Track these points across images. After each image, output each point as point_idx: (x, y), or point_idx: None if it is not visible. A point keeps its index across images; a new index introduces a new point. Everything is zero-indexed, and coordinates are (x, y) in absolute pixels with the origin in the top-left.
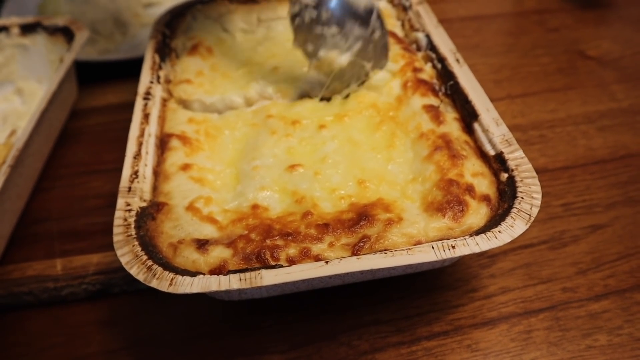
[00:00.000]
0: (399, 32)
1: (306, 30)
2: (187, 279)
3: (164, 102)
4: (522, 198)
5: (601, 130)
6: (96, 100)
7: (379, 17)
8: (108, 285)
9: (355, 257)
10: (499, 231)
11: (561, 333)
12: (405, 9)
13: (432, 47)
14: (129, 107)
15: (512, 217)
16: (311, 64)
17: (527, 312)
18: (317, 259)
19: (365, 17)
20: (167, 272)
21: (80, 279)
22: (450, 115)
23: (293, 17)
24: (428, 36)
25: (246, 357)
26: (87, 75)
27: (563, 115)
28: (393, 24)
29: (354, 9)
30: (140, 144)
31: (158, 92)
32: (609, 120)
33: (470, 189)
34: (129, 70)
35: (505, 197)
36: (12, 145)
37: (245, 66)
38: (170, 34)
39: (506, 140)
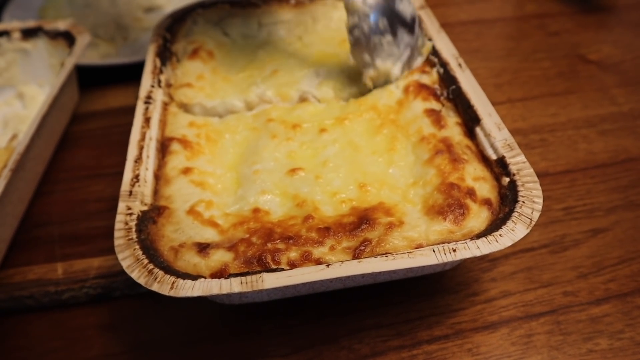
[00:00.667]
0: None
1: (365, 40)
2: (189, 282)
3: (165, 106)
4: (524, 202)
5: (602, 134)
6: (97, 104)
7: (420, 25)
8: (109, 289)
9: (357, 260)
10: (500, 235)
11: (562, 337)
12: None
13: (434, 51)
14: (130, 111)
15: (513, 221)
16: (367, 75)
17: (528, 316)
18: (318, 262)
19: (411, 25)
20: (168, 276)
21: (81, 283)
22: (452, 120)
23: (352, 29)
24: (430, 40)
25: None
26: (88, 79)
27: (564, 119)
28: None
29: (402, 17)
30: (141, 148)
31: (159, 96)
32: (609, 125)
33: (471, 193)
34: (130, 74)
35: (507, 201)
36: (14, 149)
37: (246, 70)
38: (171, 38)
39: (508, 144)
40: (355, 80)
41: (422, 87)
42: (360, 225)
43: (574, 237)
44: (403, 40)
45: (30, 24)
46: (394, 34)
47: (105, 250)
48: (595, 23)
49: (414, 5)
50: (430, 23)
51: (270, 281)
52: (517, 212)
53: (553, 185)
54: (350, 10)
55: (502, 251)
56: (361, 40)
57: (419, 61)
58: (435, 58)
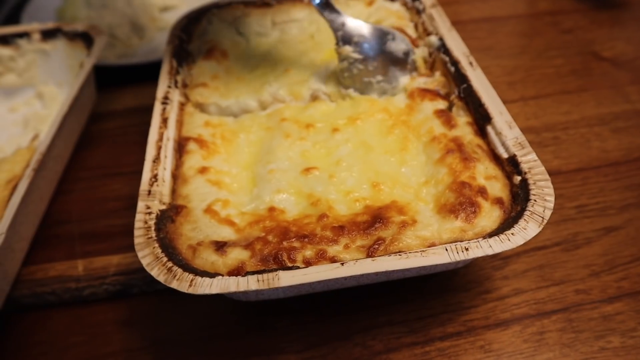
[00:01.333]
0: (412, 33)
1: (356, 81)
2: (207, 280)
3: (182, 106)
4: (535, 201)
5: (615, 132)
6: (114, 103)
7: (413, 54)
8: (128, 286)
9: (370, 258)
10: (512, 233)
11: (574, 335)
12: (418, 12)
13: (445, 50)
14: (147, 110)
15: (525, 219)
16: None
17: (540, 314)
18: (333, 260)
19: (403, 60)
20: (187, 274)
21: (101, 280)
22: (462, 119)
23: (342, 71)
24: (441, 39)
25: (262, 357)
26: (105, 79)
27: (577, 117)
28: (406, 25)
29: (394, 56)
30: (159, 148)
31: (176, 96)
32: (623, 122)
33: (482, 191)
34: (146, 73)
35: (518, 199)
36: (35, 149)
37: (259, 69)
38: (187, 39)
39: (519, 143)
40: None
41: (426, 92)
42: (374, 224)
43: (586, 235)
44: (395, 77)
45: (50, 25)
46: (385, 73)
47: (123, 248)
48: (609, 20)
49: (407, 41)
50: (441, 22)
51: (286, 279)
52: (529, 210)
53: (566, 184)
54: (340, 55)
55: (514, 249)
56: (352, 83)
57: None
58: (446, 57)
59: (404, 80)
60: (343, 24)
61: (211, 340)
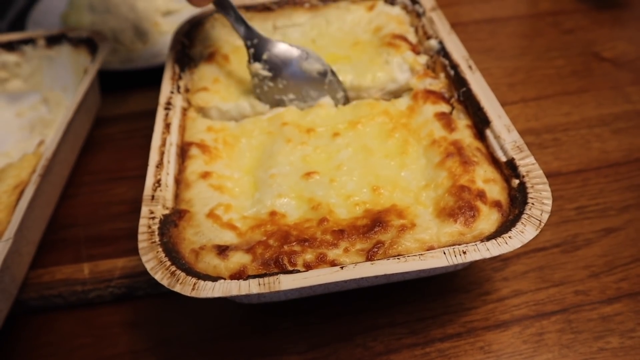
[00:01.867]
0: (412, 39)
1: (267, 96)
2: (209, 283)
3: (184, 111)
4: (533, 204)
5: (615, 133)
6: (118, 108)
7: (334, 74)
8: (133, 288)
9: (370, 262)
10: (510, 237)
11: (573, 335)
12: (418, 15)
13: (445, 53)
14: (150, 114)
15: (522, 222)
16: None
17: (539, 315)
18: (333, 264)
19: (319, 79)
20: (190, 277)
21: (106, 283)
22: (462, 123)
23: (254, 87)
24: (441, 43)
25: (265, 358)
26: (109, 83)
27: (577, 118)
28: (406, 31)
29: (307, 75)
30: (162, 153)
31: (178, 101)
32: (623, 123)
33: (481, 195)
34: (150, 78)
35: (516, 203)
36: (42, 154)
37: None
38: (189, 44)
39: (517, 146)
40: (361, 78)
41: (430, 93)
42: (374, 227)
43: (586, 237)
44: (310, 96)
45: (55, 31)
46: (297, 92)
47: (128, 251)
48: (610, 20)
49: (323, 62)
50: (441, 25)
51: (286, 282)
52: (527, 213)
53: (566, 185)
54: (250, 72)
55: (513, 251)
56: (265, 99)
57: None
58: (445, 60)
59: (325, 99)
60: (255, 41)
61: (215, 342)
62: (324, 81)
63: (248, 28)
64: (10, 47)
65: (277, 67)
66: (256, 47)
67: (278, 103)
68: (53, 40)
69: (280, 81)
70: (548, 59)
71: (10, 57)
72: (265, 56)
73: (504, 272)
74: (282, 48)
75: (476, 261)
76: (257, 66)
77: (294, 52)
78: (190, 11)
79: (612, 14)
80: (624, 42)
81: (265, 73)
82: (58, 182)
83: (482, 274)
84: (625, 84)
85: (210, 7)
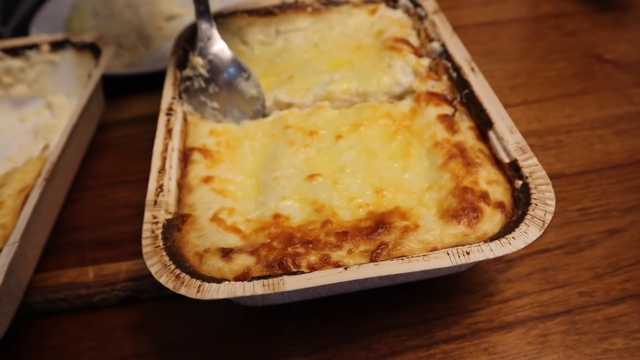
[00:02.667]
0: (415, 42)
1: (192, 93)
2: (214, 285)
3: (186, 116)
4: (536, 205)
5: (618, 134)
6: (122, 112)
7: (262, 106)
8: (137, 292)
9: (373, 263)
10: (513, 237)
11: (578, 336)
12: (420, 18)
13: (447, 56)
14: (154, 118)
15: (526, 223)
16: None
17: (543, 316)
18: (337, 265)
19: (248, 103)
20: (195, 280)
21: (111, 286)
22: (465, 124)
23: (184, 80)
24: (443, 45)
25: None
26: (112, 88)
27: (579, 120)
28: (408, 34)
29: (240, 94)
30: (164, 159)
31: (180, 107)
32: (626, 125)
33: (484, 196)
34: (153, 82)
35: (520, 203)
36: (46, 159)
37: (264, 77)
38: (192, 48)
39: (520, 147)
40: (366, 84)
41: (432, 95)
42: (377, 229)
43: (589, 238)
44: (231, 113)
45: (58, 36)
46: (222, 104)
47: (133, 255)
48: (612, 22)
49: (260, 89)
50: (443, 27)
51: (291, 283)
52: (530, 214)
53: (569, 187)
54: (190, 63)
55: (517, 252)
56: (189, 92)
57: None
58: (448, 63)
59: (244, 118)
60: (209, 38)
61: (219, 344)
62: (251, 107)
63: (211, 25)
64: (14, 52)
65: (217, 72)
66: (207, 45)
67: (195, 107)
68: (57, 45)
69: (212, 86)
70: (550, 61)
71: (14, 63)
72: (211, 56)
73: (507, 274)
74: (230, 58)
75: (480, 263)
76: (199, 61)
77: (240, 67)
78: (193, 16)
79: (613, 16)
80: (626, 44)
81: (203, 72)
82: (63, 186)
83: (485, 276)
84: (628, 86)
85: (213, 12)
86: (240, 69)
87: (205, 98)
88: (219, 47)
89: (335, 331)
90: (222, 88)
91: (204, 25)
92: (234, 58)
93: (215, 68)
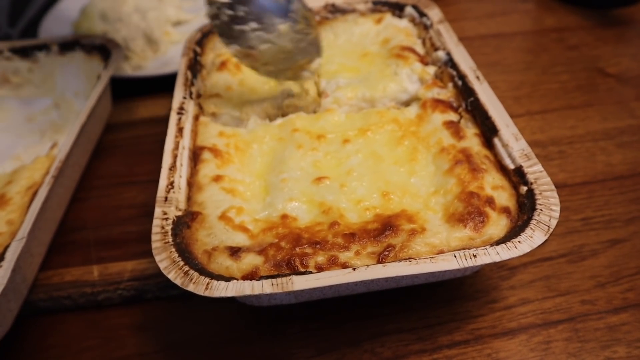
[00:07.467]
0: (420, 50)
1: (227, 29)
2: (222, 283)
3: (196, 116)
4: (541, 210)
5: (620, 146)
6: (129, 114)
7: (304, 6)
8: (142, 291)
9: (381, 265)
10: (519, 241)
11: (580, 344)
12: (426, 27)
13: (452, 64)
14: (160, 121)
15: (531, 228)
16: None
17: (546, 323)
18: (344, 266)
19: (284, 9)
20: (203, 277)
21: (115, 285)
22: (470, 131)
23: (212, 18)
24: (449, 54)
25: None
26: (120, 90)
27: (582, 132)
28: (414, 43)
29: (269, 2)
30: (175, 156)
31: (191, 107)
32: (628, 137)
33: (490, 201)
34: (160, 85)
35: (525, 209)
36: (54, 157)
37: (271, 81)
38: (201, 51)
39: (525, 154)
40: (373, 90)
41: (438, 102)
42: (384, 231)
43: (592, 247)
44: (273, 25)
45: (68, 38)
46: (260, 20)
47: (138, 254)
48: (614, 37)
49: None
50: (448, 36)
51: (299, 283)
52: (535, 219)
53: (571, 197)
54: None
55: (520, 260)
56: (224, 29)
57: (317, 62)
58: (453, 71)
59: (284, 27)
60: None
61: (222, 346)
62: (288, 7)
63: None
64: (23, 53)
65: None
66: None
67: (238, 35)
68: (66, 47)
69: (239, 7)
70: (553, 73)
71: (23, 63)
72: None
73: (510, 281)
74: None
75: (483, 269)
76: None
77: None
78: (200, 21)
79: (616, 32)
80: (628, 59)
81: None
82: (69, 185)
83: (489, 282)
84: (630, 99)
85: None
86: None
87: (240, 25)
88: None
89: (339, 334)
90: (249, 4)
91: None
92: None
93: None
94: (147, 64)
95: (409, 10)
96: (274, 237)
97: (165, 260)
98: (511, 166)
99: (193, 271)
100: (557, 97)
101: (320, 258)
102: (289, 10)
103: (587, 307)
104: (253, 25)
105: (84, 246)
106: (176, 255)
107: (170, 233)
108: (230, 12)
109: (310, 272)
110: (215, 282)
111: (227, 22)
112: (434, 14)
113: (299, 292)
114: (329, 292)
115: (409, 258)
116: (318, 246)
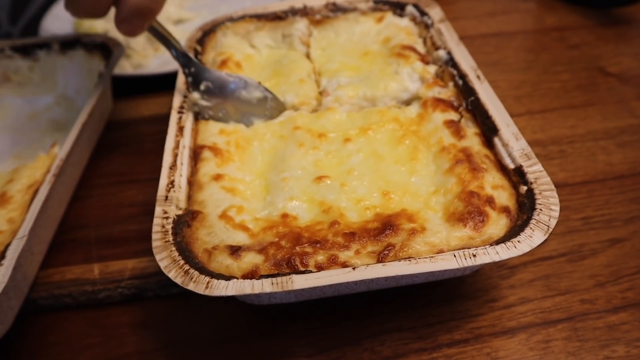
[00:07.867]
0: (421, 49)
1: (210, 118)
2: (222, 282)
3: (197, 115)
4: (541, 210)
5: (621, 146)
6: (130, 112)
7: (274, 99)
8: (142, 290)
9: (381, 264)
10: (519, 241)
11: (579, 343)
12: (427, 26)
13: (453, 63)
14: (161, 119)
15: (531, 227)
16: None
17: (545, 323)
18: (344, 265)
19: (260, 105)
20: (203, 276)
21: (116, 283)
22: (470, 130)
23: (195, 114)
24: (449, 53)
25: None
26: (121, 88)
27: (582, 131)
28: (415, 42)
29: (247, 103)
30: (175, 156)
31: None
32: (628, 136)
33: (490, 201)
34: (161, 84)
35: (525, 208)
36: (55, 156)
37: (273, 79)
38: (202, 50)
39: (525, 154)
40: (374, 89)
41: (439, 101)
42: (384, 230)
43: (592, 247)
44: (250, 121)
45: (69, 36)
46: (238, 119)
47: (138, 253)
48: (615, 36)
49: (262, 89)
50: (449, 36)
51: (299, 282)
52: (535, 219)
53: (571, 196)
54: (189, 101)
55: (520, 259)
56: (206, 118)
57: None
58: (454, 70)
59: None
60: (192, 69)
61: (223, 344)
62: (265, 106)
63: (185, 56)
64: (24, 51)
65: (216, 97)
66: (194, 76)
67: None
68: (67, 45)
69: (220, 109)
70: (554, 73)
71: (24, 62)
72: (202, 86)
73: (510, 280)
74: (218, 77)
75: (483, 269)
76: (196, 96)
77: (230, 81)
78: (201, 20)
79: (617, 31)
80: (629, 58)
81: (205, 103)
82: (70, 183)
83: (488, 282)
84: (631, 99)
85: (222, 16)
86: (233, 81)
87: (222, 116)
88: (204, 72)
89: (339, 333)
90: (228, 106)
91: (182, 60)
92: (221, 75)
93: (212, 94)
94: (148, 63)
95: (410, 9)
96: (274, 236)
97: (166, 259)
98: (511, 166)
99: (193, 270)
100: (557, 96)
101: (321, 257)
102: (265, 108)
103: (587, 306)
104: (234, 118)
105: (85, 244)
106: (176, 254)
107: (170, 232)
108: (211, 112)
109: (310, 271)
110: (215, 281)
111: (210, 116)
112: (435, 12)
113: (299, 291)
114: (329, 291)
115: (409, 257)
116: (318, 245)
